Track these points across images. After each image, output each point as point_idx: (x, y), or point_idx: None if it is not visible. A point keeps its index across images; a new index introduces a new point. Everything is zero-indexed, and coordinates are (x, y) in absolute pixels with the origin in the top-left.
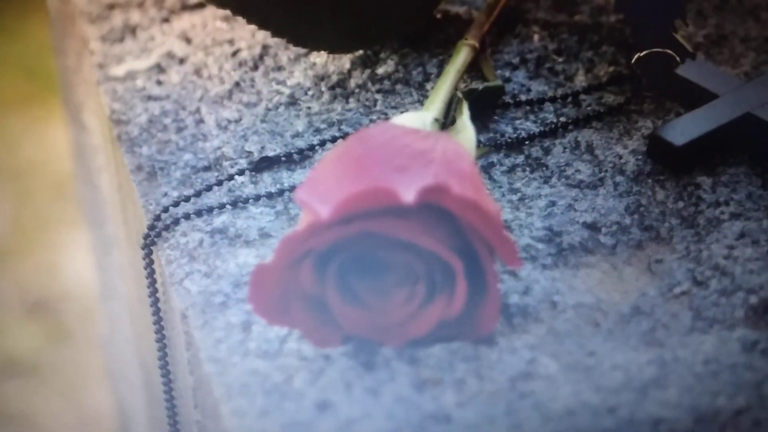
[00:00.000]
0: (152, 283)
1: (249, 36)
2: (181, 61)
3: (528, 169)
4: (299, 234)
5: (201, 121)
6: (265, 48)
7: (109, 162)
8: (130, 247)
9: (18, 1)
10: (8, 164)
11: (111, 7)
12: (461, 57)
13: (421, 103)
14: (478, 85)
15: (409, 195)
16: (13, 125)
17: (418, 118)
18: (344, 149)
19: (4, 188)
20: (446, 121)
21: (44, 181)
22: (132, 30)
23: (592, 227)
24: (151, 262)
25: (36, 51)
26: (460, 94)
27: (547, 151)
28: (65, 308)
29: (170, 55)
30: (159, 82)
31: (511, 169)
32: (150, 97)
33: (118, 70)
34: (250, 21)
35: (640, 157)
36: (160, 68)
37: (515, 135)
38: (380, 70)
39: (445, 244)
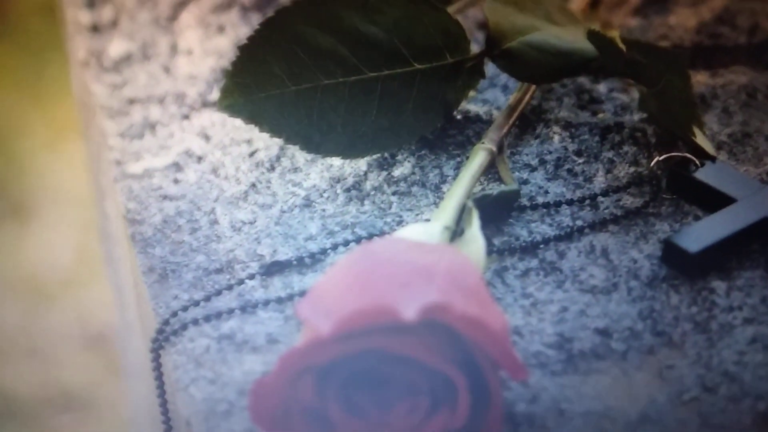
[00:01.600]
0: (161, 385)
1: (266, 136)
2: (199, 159)
3: (542, 273)
4: (299, 350)
5: (215, 222)
6: (283, 149)
7: (125, 257)
8: (144, 343)
9: None
10: (73, 191)
11: (131, 101)
12: (477, 161)
13: (436, 205)
14: (493, 190)
15: (410, 313)
16: (79, 148)
17: (425, 230)
18: (348, 263)
19: (69, 216)
20: (458, 229)
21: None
22: (151, 126)
23: (604, 333)
24: (159, 365)
25: None
26: (470, 203)
27: (561, 255)
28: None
29: (188, 153)
30: (176, 181)
31: (525, 273)
32: (166, 197)
33: (136, 168)
34: (262, 129)
35: (655, 261)
36: (177, 166)
37: (530, 239)
38: (396, 172)
39: (448, 359)
